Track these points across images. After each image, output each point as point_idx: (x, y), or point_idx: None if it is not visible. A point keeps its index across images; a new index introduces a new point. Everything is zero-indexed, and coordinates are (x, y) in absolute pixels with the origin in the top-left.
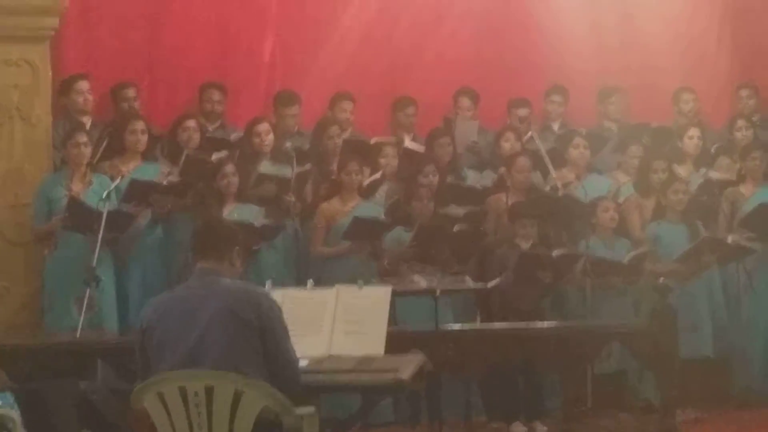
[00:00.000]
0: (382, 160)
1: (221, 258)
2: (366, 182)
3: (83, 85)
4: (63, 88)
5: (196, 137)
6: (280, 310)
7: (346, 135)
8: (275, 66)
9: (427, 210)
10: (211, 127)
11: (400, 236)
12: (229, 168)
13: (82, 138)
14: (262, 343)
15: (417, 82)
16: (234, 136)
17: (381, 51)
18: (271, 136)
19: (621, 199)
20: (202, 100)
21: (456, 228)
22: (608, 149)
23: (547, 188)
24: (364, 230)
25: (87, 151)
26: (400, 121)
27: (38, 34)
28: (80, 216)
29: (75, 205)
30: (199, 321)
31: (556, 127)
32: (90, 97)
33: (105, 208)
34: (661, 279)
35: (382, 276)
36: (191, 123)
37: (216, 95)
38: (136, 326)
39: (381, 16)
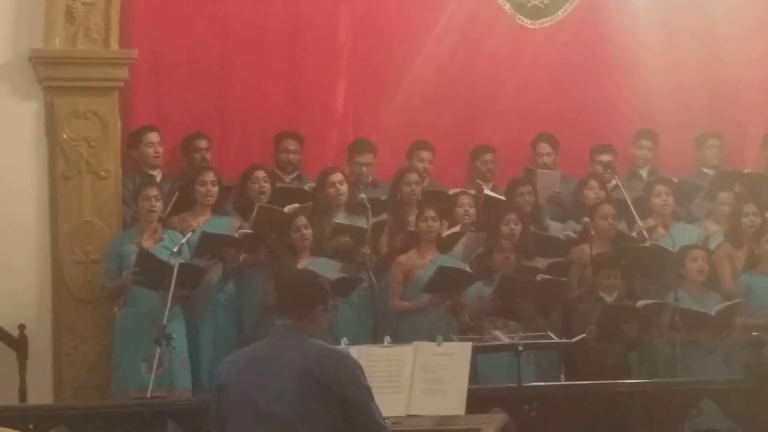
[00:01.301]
0: (459, 210)
1: (304, 315)
2: (445, 234)
3: (153, 136)
4: (132, 140)
5: (267, 188)
6: (361, 370)
7: (423, 185)
8: (347, 116)
9: (509, 261)
10: (287, 179)
11: (480, 290)
12: (302, 220)
13: (153, 191)
14: (342, 409)
15: (494, 130)
16: (308, 186)
17: (456, 98)
18: (345, 186)
19: (711, 249)
20: (277, 150)
21: (539, 278)
22: (698, 197)
23: (633, 234)
24: (448, 282)
25: (158, 205)
26: (478, 170)
27: (107, 86)
28: (151, 270)
29: (146, 258)
30: (276, 383)
31: (644, 173)
32: (160, 150)
33: (176, 262)
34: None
35: (462, 332)
36: (260, 174)
37: (292, 145)
38: (208, 385)
39: (455, 61)
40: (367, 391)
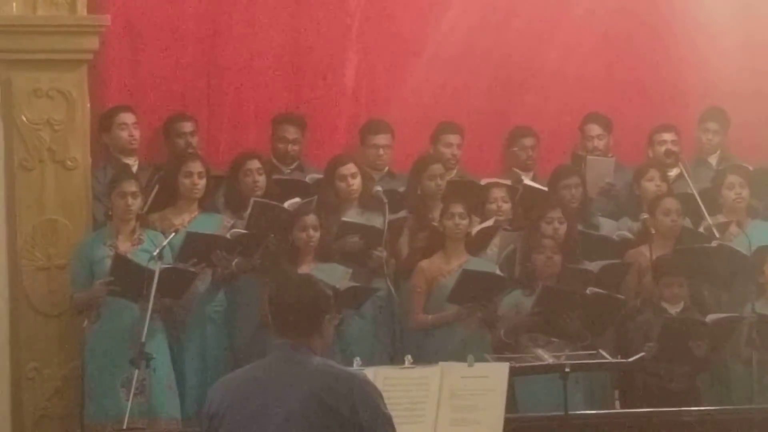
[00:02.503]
0: (492, 205)
1: (310, 332)
2: (475, 230)
3: (128, 117)
4: (104, 122)
5: (261, 181)
6: (380, 396)
7: (451, 175)
8: (359, 95)
9: (553, 266)
10: (286, 170)
11: (518, 301)
12: (311, 219)
13: (131, 187)
14: None
15: (534, 109)
16: (310, 178)
17: (488, 71)
18: (358, 179)
19: None
20: (274, 137)
21: (589, 291)
22: None
23: (701, 229)
24: (475, 288)
25: (136, 202)
26: (516, 157)
27: (74, 58)
28: (128, 278)
29: (122, 264)
30: (279, 412)
31: (714, 161)
32: (136, 133)
33: (157, 267)
34: None
35: (497, 350)
36: (254, 164)
37: (291, 131)
38: (196, 413)
39: (486, 28)
40: (387, 420)
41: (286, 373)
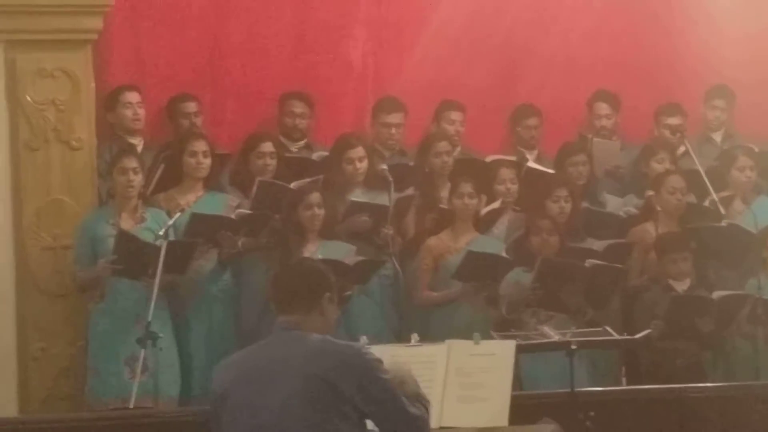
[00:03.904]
0: (501, 187)
1: (309, 310)
2: (483, 211)
3: (132, 96)
4: (109, 102)
5: (273, 165)
6: (379, 362)
7: (455, 153)
8: (366, 71)
9: (549, 247)
10: (294, 147)
11: (518, 277)
12: (315, 197)
13: (132, 163)
14: (362, 412)
15: (538, 86)
16: (317, 155)
17: (492, 47)
18: (365, 163)
19: None
20: (282, 114)
21: (588, 263)
22: None
23: (705, 203)
24: (481, 269)
25: (137, 179)
26: (519, 136)
27: (78, 38)
28: (133, 256)
29: (126, 241)
30: (280, 391)
31: (718, 138)
32: (141, 113)
33: (164, 242)
34: None
35: (499, 327)
36: (267, 147)
37: (299, 108)
38: (200, 394)
39: (486, 6)
40: (389, 385)
41: (286, 352)
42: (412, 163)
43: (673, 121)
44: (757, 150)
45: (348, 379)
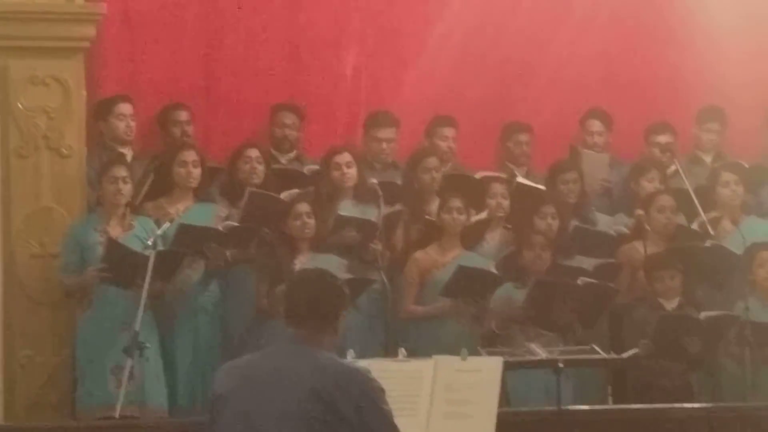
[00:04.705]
0: (492, 201)
1: (323, 327)
2: (471, 220)
3: (125, 108)
4: (100, 111)
5: (260, 170)
6: (382, 392)
7: (446, 168)
8: (359, 84)
9: (542, 260)
10: (284, 159)
11: (509, 293)
12: (304, 207)
13: (121, 172)
14: None
15: (531, 104)
16: (308, 169)
17: (485, 66)
18: (353, 170)
19: None
20: (272, 125)
21: (580, 281)
22: None
23: (694, 225)
24: (470, 285)
25: (126, 188)
26: (510, 152)
27: (70, 46)
28: (121, 264)
29: (115, 249)
30: (279, 403)
31: (708, 158)
32: (132, 124)
33: (152, 252)
34: None
35: (488, 343)
36: (253, 152)
37: (289, 119)
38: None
39: (487, 21)
40: (387, 416)
41: (292, 365)
42: (400, 182)
43: (663, 139)
44: (747, 166)
45: (348, 400)
